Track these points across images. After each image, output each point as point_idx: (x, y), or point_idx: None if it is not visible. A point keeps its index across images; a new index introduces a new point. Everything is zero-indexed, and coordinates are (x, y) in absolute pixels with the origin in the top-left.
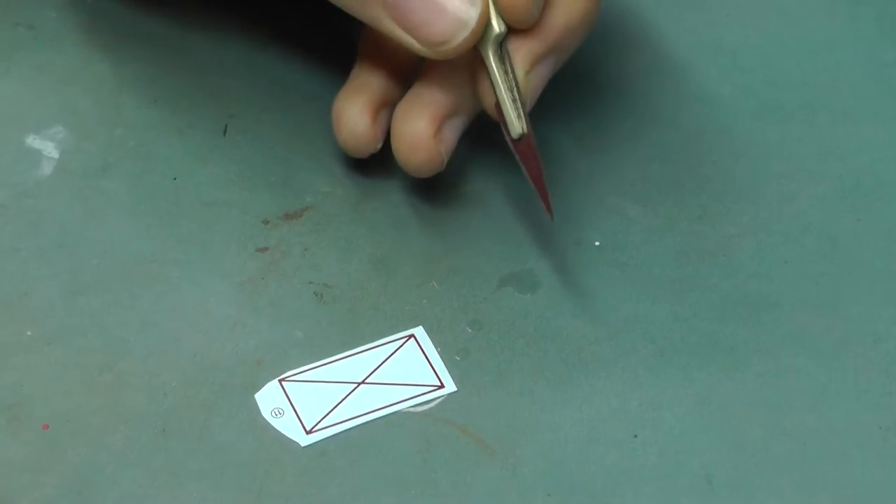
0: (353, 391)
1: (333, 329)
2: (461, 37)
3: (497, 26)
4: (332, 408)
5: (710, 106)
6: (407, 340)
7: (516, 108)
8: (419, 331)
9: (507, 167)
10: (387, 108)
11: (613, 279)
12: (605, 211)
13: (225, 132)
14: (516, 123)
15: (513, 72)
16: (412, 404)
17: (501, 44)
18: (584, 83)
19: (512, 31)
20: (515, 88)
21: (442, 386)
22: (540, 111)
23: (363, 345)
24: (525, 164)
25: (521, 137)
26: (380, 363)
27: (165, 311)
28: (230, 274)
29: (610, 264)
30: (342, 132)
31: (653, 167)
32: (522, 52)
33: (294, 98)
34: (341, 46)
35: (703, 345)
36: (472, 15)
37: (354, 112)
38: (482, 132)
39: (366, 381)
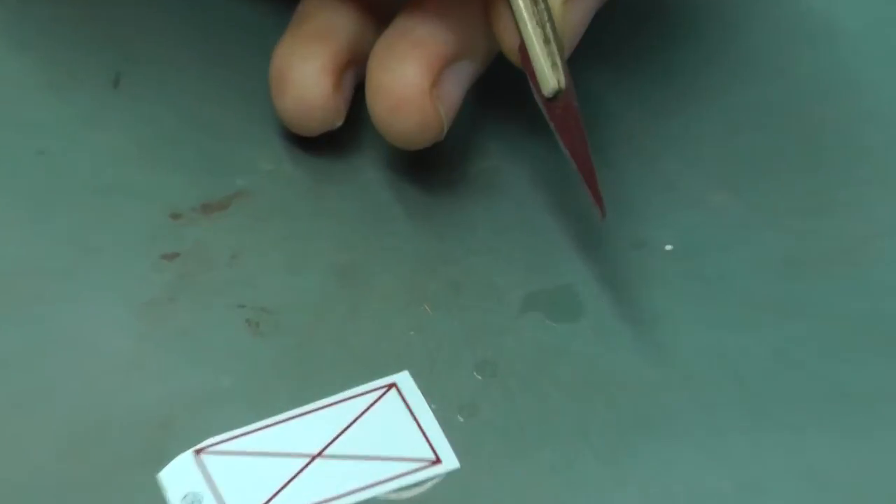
0: (304, 468)
1: (275, 374)
2: None
3: None
4: (274, 492)
5: (831, 47)
6: (386, 392)
7: (549, 54)
8: (403, 378)
9: (534, 136)
10: (353, 66)
11: (690, 299)
12: (677, 199)
13: (117, 84)
14: (549, 75)
15: (545, 1)
16: (394, 487)
17: None
18: (644, 12)
19: None
20: (549, 24)
21: (438, 460)
22: (580, 52)
23: (320, 398)
24: (562, 133)
25: (557, 95)
26: (345, 426)
27: (31, 345)
28: (124, 292)
29: (685, 277)
30: (286, 99)
31: (746, 136)
32: None
33: (219, 31)
34: None
35: (823, 395)
36: None
37: (308, 71)
38: (498, 85)
39: (324, 452)
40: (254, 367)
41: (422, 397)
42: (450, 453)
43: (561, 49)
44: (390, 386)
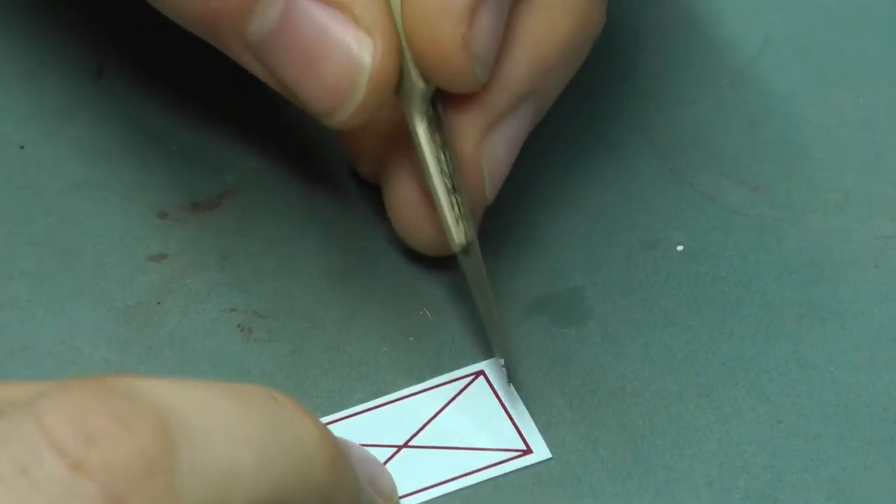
0: (390, 458)
1: (268, 383)
2: (353, 101)
3: (419, 78)
4: None
5: (856, 32)
6: (473, 380)
7: (454, 205)
8: (492, 365)
9: (537, 134)
10: None
11: (705, 303)
12: (691, 197)
13: (100, 74)
14: (455, 231)
15: (451, 146)
16: (483, 478)
17: (433, 102)
18: None
19: None
20: (455, 174)
21: (529, 450)
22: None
23: (314, 407)
24: (473, 285)
25: (465, 250)
26: (432, 415)
27: (8, 352)
28: (108, 296)
29: (700, 280)
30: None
31: (767, 126)
32: (470, 113)
33: None
34: None
35: (846, 406)
36: (364, 56)
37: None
38: None
39: (410, 442)
40: (246, 374)
41: (510, 386)
42: (541, 443)
43: (467, 197)
44: (478, 374)
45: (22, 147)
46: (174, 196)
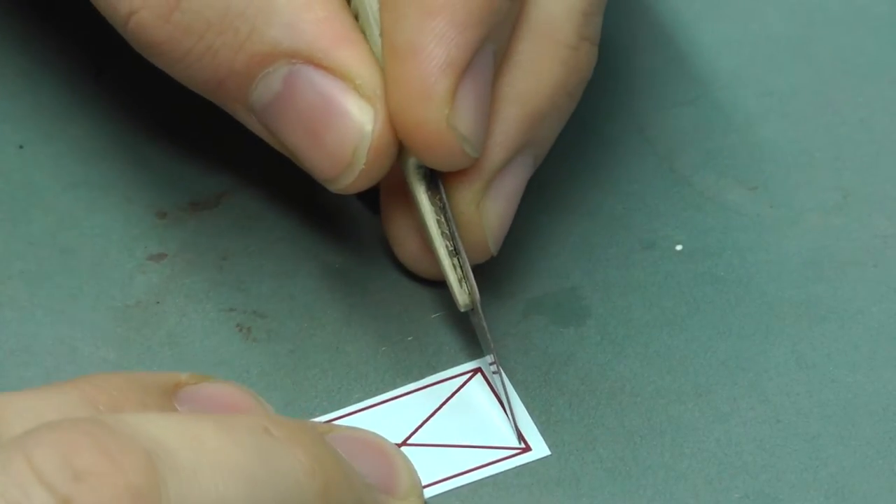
0: None
1: (267, 382)
2: (355, 169)
3: None
4: None
5: (856, 31)
6: (471, 377)
7: (457, 267)
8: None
9: None
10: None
11: (704, 303)
12: (689, 197)
13: (99, 74)
14: (459, 292)
15: (450, 210)
16: (482, 476)
17: (433, 170)
18: None
19: None
20: (457, 236)
21: (527, 448)
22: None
23: (314, 408)
24: (482, 341)
25: (473, 308)
26: (430, 414)
27: (8, 351)
28: (107, 295)
29: (699, 279)
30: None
31: (766, 124)
32: (465, 175)
33: None
34: None
35: (845, 405)
36: (365, 124)
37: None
38: None
39: (408, 441)
40: (245, 373)
41: (508, 382)
42: (539, 441)
43: (468, 259)
44: (475, 371)
45: (21, 147)
46: (173, 196)
